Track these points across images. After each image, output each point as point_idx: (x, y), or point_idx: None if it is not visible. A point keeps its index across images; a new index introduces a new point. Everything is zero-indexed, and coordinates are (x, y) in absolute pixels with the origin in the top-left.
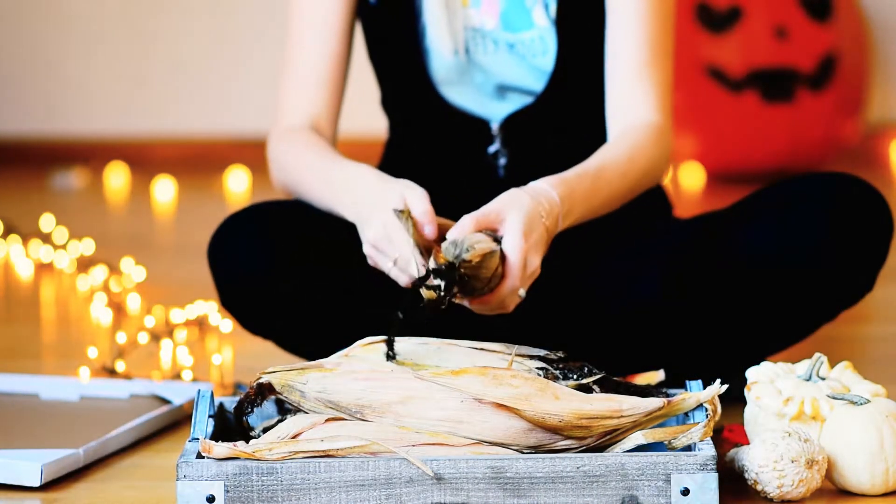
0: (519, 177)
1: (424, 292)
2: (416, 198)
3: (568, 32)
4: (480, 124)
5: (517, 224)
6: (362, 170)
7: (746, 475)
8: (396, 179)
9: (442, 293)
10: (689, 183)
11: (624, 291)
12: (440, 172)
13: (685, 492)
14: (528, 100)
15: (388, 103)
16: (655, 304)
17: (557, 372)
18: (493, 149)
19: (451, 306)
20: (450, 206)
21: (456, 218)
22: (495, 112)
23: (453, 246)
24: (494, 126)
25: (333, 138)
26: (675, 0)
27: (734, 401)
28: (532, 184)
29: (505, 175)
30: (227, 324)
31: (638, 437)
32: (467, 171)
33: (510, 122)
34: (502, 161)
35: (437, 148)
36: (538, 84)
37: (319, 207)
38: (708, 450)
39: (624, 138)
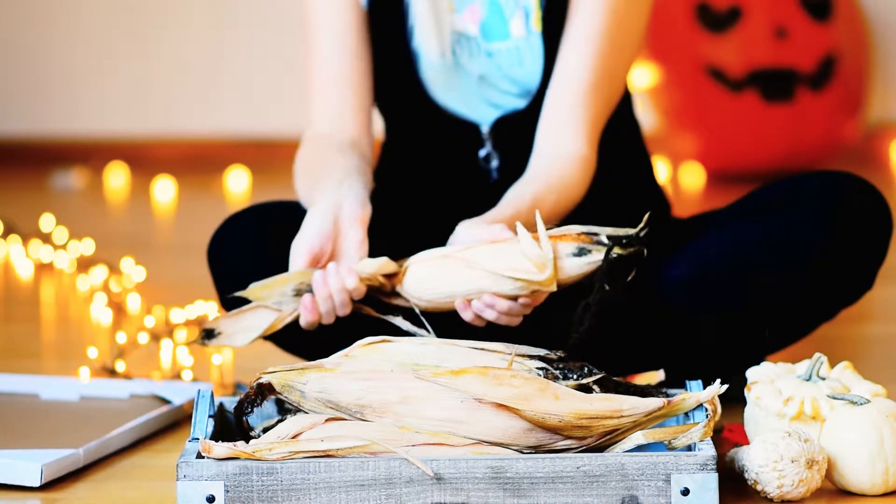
0: (512, 180)
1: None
2: (295, 254)
3: (555, 41)
4: (471, 127)
5: None
6: (333, 202)
7: (746, 475)
8: (329, 221)
9: (643, 254)
10: (689, 183)
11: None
12: (434, 175)
13: (685, 492)
14: (516, 104)
15: (383, 106)
16: (654, 304)
17: (557, 372)
18: (483, 152)
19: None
20: (445, 208)
21: (453, 222)
22: (485, 115)
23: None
24: (484, 129)
25: (368, 137)
26: (649, 10)
27: (734, 401)
28: (477, 218)
29: (498, 178)
30: None
31: (638, 437)
32: (460, 174)
33: (500, 125)
34: (494, 164)
35: (430, 150)
36: (518, 92)
37: None
38: (708, 450)
39: (555, 175)
